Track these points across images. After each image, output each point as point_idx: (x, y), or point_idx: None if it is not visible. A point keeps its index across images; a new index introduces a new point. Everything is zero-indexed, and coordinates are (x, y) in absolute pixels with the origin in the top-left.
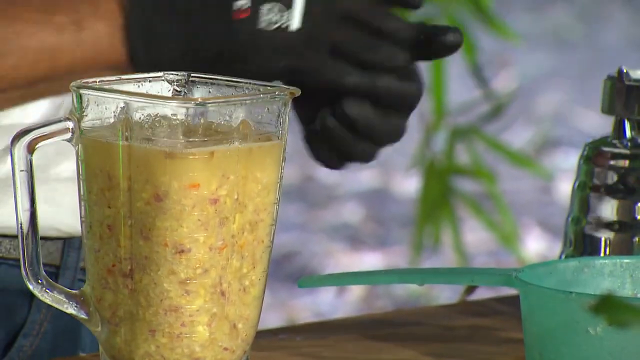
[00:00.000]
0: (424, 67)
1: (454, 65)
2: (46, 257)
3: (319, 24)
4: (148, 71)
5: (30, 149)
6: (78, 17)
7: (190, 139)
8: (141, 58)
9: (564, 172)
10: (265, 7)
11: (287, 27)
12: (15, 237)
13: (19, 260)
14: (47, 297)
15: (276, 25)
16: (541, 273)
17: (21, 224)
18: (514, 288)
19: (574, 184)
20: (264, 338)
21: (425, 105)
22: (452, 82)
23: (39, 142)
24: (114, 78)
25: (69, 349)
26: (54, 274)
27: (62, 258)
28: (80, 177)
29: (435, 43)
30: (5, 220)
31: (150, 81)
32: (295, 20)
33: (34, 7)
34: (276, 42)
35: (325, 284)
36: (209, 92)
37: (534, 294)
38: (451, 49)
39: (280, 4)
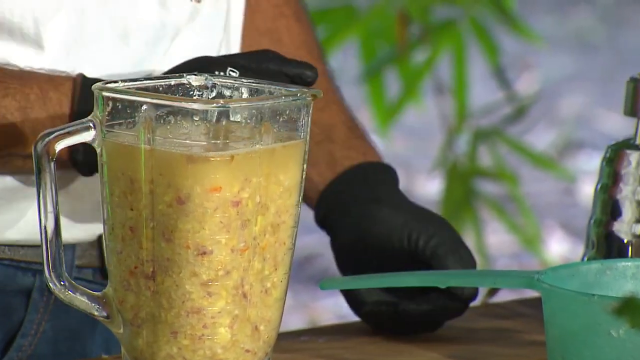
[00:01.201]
0: (446, 70)
1: (477, 67)
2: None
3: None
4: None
5: (53, 151)
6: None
7: (212, 142)
8: (79, 160)
9: (587, 174)
10: None
11: None
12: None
13: (14, 260)
14: (70, 298)
15: None
16: (563, 275)
17: (45, 227)
18: (536, 290)
19: (597, 186)
20: (285, 340)
21: (447, 107)
22: (474, 84)
23: (61, 144)
24: (136, 80)
25: (73, 349)
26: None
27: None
28: (103, 179)
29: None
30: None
31: (172, 82)
32: None
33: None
34: None
35: (347, 286)
36: (231, 93)
37: (556, 296)
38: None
39: None
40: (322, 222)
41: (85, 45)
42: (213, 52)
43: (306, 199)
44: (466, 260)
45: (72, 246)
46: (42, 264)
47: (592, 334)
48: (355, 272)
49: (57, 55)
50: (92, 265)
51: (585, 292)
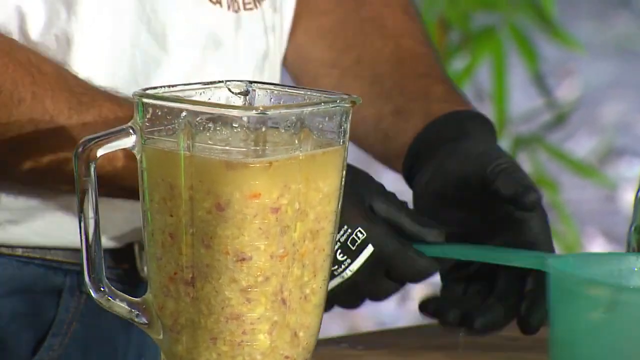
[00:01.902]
0: (486, 76)
1: (516, 74)
2: (71, 257)
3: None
4: None
5: (93, 157)
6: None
7: (252, 149)
8: None
9: (628, 181)
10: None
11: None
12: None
13: (45, 260)
14: (110, 304)
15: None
16: (575, 262)
17: (86, 232)
18: (545, 271)
19: (637, 192)
20: (324, 347)
21: (487, 114)
22: (514, 91)
23: (102, 149)
24: (176, 86)
25: (103, 351)
26: None
27: None
28: (142, 185)
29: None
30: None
31: (212, 89)
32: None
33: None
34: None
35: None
36: (270, 100)
37: (561, 279)
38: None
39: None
40: (409, 171)
41: (124, 52)
42: (256, 62)
43: (400, 156)
44: (527, 183)
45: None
46: (73, 264)
47: (592, 318)
48: (429, 208)
49: (96, 61)
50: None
51: (590, 278)
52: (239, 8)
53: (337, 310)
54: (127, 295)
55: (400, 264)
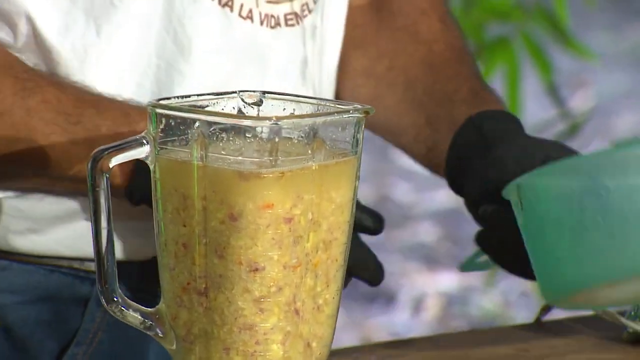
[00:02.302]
0: (499, 87)
1: (530, 84)
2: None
3: None
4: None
5: (106, 168)
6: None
7: (265, 159)
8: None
9: None
10: None
11: None
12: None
13: (72, 269)
14: (123, 315)
15: None
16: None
17: (99, 243)
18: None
19: None
20: (338, 357)
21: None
22: (528, 101)
23: (115, 160)
24: (189, 97)
25: None
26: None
27: None
28: (156, 195)
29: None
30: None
31: (225, 99)
32: None
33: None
34: None
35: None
36: (283, 110)
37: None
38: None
39: None
40: (452, 186)
41: (147, 60)
42: (294, 71)
43: (439, 168)
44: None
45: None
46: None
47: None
48: (484, 223)
49: (119, 72)
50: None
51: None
52: (276, 24)
53: (350, 320)
54: (140, 306)
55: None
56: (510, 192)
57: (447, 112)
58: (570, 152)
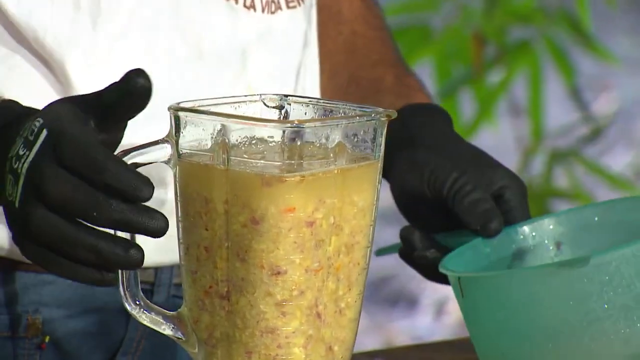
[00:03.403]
0: (522, 90)
1: (553, 88)
2: (141, 275)
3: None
4: None
5: None
6: None
7: (287, 162)
8: None
9: None
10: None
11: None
12: None
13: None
14: (145, 318)
15: (9, 199)
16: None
17: None
18: None
19: None
20: None
21: (523, 128)
22: (550, 105)
23: (137, 163)
24: (211, 101)
25: None
26: (149, 291)
27: (156, 275)
28: (178, 199)
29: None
30: None
31: (247, 103)
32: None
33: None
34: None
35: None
36: (305, 113)
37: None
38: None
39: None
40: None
41: (157, 63)
42: (291, 75)
43: None
44: (484, 199)
45: (170, 265)
46: (142, 282)
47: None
48: (408, 217)
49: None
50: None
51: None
52: (277, 8)
53: (372, 323)
54: (162, 309)
55: (67, 142)
56: (449, 276)
57: (374, 102)
58: (486, 163)
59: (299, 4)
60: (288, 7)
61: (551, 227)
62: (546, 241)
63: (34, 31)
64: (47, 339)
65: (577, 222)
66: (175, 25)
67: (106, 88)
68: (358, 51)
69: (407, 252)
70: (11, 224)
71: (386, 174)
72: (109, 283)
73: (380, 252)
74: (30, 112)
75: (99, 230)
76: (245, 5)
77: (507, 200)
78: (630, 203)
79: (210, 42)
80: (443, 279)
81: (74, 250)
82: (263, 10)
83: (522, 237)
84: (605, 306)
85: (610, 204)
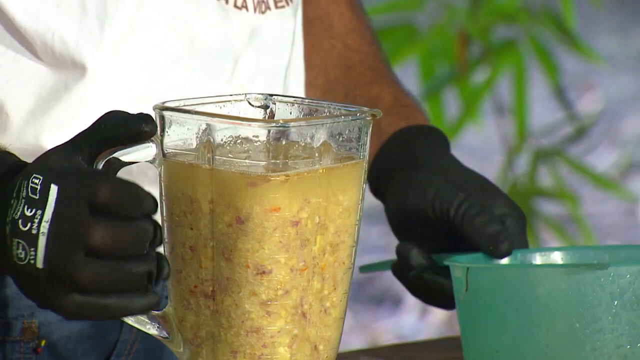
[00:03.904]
0: (506, 89)
1: (537, 87)
2: None
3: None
4: None
5: (114, 170)
6: None
7: (271, 162)
8: None
9: None
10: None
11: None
12: None
13: None
14: (130, 318)
15: (23, 262)
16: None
17: None
18: None
19: None
20: None
21: (507, 127)
22: (534, 104)
23: (123, 162)
24: (196, 100)
25: None
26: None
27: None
28: (163, 198)
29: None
30: None
31: (232, 102)
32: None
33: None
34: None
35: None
36: (290, 113)
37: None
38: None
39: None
40: (375, 192)
41: (151, 63)
42: (280, 74)
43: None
44: (494, 220)
45: None
46: None
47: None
48: (403, 238)
49: (125, 72)
50: None
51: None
52: (266, 8)
53: (357, 322)
54: None
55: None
56: (454, 268)
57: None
58: (489, 189)
59: (287, 4)
60: (277, 7)
61: (559, 261)
62: None
63: (42, 35)
64: (42, 343)
65: (580, 260)
66: (172, 25)
67: (107, 123)
68: (354, 68)
69: (402, 269)
70: (33, 288)
71: (383, 195)
72: (159, 301)
73: (365, 268)
74: (9, 170)
75: (137, 255)
76: (236, 6)
77: (507, 227)
78: (637, 251)
79: (203, 43)
80: (434, 300)
81: (129, 283)
82: (255, 10)
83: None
84: (610, 318)
85: (614, 249)
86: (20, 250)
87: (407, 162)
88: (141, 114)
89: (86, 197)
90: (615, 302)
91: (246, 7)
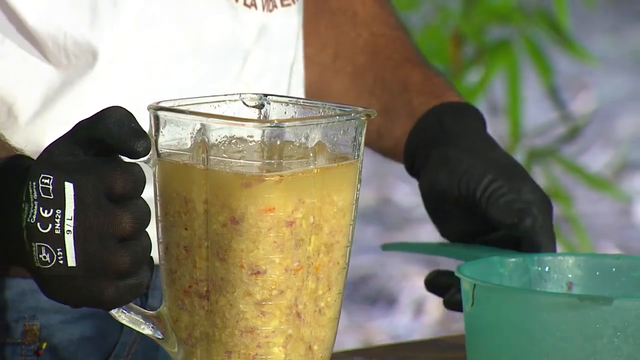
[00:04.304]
0: (500, 89)
1: (531, 87)
2: None
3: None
4: None
5: None
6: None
7: (266, 162)
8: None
9: None
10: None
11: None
12: None
13: None
14: (124, 318)
15: (50, 265)
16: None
17: None
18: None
19: None
20: None
21: (501, 127)
22: (528, 104)
23: None
24: (190, 100)
25: None
26: (144, 294)
27: (151, 278)
28: (157, 198)
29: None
30: None
31: (226, 102)
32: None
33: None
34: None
35: (405, 249)
36: (285, 113)
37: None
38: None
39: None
40: (411, 170)
41: (158, 61)
42: (286, 72)
43: (397, 152)
44: (519, 200)
45: None
46: None
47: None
48: (433, 216)
49: (132, 69)
50: None
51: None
52: (273, 7)
53: (351, 323)
54: (141, 309)
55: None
56: (462, 281)
57: (405, 101)
58: (518, 173)
59: (293, 2)
60: (283, 5)
61: (568, 266)
62: (559, 279)
63: (54, 37)
64: (44, 346)
65: (594, 268)
66: (180, 23)
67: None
68: (381, 52)
69: (437, 294)
70: (65, 289)
71: (417, 171)
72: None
73: (387, 247)
74: (12, 171)
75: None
76: (245, 4)
77: (534, 213)
78: None
79: (211, 41)
80: None
81: (147, 256)
82: (263, 8)
83: (538, 268)
84: (612, 351)
85: (632, 258)
86: (43, 254)
87: (440, 140)
88: (137, 129)
89: (104, 189)
90: (619, 334)
91: (255, 6)
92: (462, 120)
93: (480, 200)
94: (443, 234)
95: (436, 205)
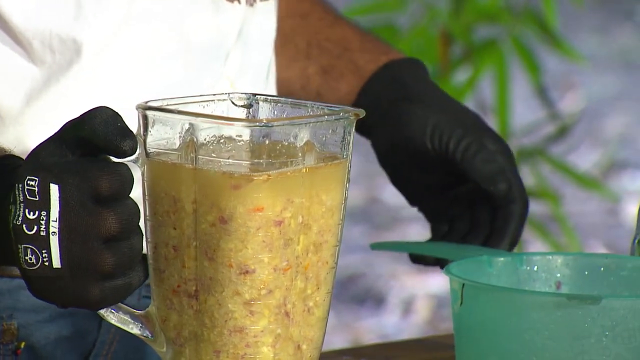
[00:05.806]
0: (488, 88)
1: (519, 86)
2: None
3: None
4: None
5: None
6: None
7: (255, 162)
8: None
9: (631, 194)
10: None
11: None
12: None
13: None
14: (113, 317)
15: (35, 267)
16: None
17: None
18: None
19: None
20: (328, 359)
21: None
22: (516, 103)
23: None
24: (179, 99)
25: None
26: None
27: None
28: (146, 198)
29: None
30: None
31: (215, 102)
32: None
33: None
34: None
35: (395, 248)
36: (274, 112)
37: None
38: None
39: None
40: (361, 129)
41: (142, 57)
42: (264, 70)
43: None
44: (493, 159)
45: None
46: None
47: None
48: (394, 174)
49: (116, 65)
50: None
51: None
52: (254, 1)
53: (340, 322)
54: (130, 308)
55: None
56: (451, 280)
57: (348, 60)
58: (482, 125)
59: None
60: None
61: (556, 265)
62: (548, 278)
63: (40, 34)
64: (22, 345)
65: (583, 267)
66: (165, 20)
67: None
68: (309, 15)
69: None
70: (50, 290)
71: (370, 129)
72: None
73: (375, 246)
74: (1, 173)
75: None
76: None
77: (502, 165)
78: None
79: (196, 37)
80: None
81: (138, 256)
82: (246, 2)
83: (526, 267)
84: (599, 350)
85: (620, 258)
86: (29, 256)
87: (399, 96)
88: (123, 129)
89: (89, 190)
90: (607, 334)
91: (238, 0)
92: (420, 76)
93: (455, 155)
94: (406, 193)
95: (399, 161)
